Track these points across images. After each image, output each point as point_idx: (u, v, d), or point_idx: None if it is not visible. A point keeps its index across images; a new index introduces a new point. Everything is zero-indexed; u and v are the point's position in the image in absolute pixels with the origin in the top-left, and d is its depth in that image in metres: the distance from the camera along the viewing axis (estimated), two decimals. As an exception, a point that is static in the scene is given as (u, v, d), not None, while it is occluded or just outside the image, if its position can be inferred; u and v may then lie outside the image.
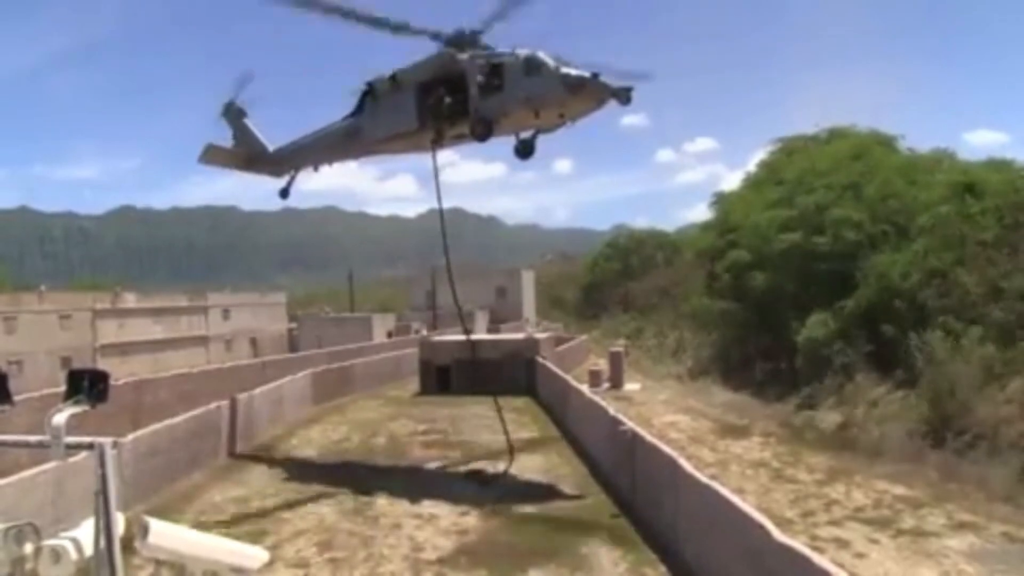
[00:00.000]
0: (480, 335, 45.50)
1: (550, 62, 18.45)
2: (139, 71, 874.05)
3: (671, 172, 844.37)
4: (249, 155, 25.55)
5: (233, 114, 25.64)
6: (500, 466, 21.27)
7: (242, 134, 25.72)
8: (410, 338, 54.97)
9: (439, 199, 22.02)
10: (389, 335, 63.63)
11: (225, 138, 25.92)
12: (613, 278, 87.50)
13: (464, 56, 19.67)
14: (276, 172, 25.73)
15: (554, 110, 18.84)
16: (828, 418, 25.66)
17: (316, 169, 24.97)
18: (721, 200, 43.00)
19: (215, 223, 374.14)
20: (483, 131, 19.71)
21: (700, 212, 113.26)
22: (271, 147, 25.45)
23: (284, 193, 25.85)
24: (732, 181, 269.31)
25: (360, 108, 22.40)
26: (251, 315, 72.15)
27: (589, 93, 18.20)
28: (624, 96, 17.94)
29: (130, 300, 61.37)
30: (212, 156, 25.18)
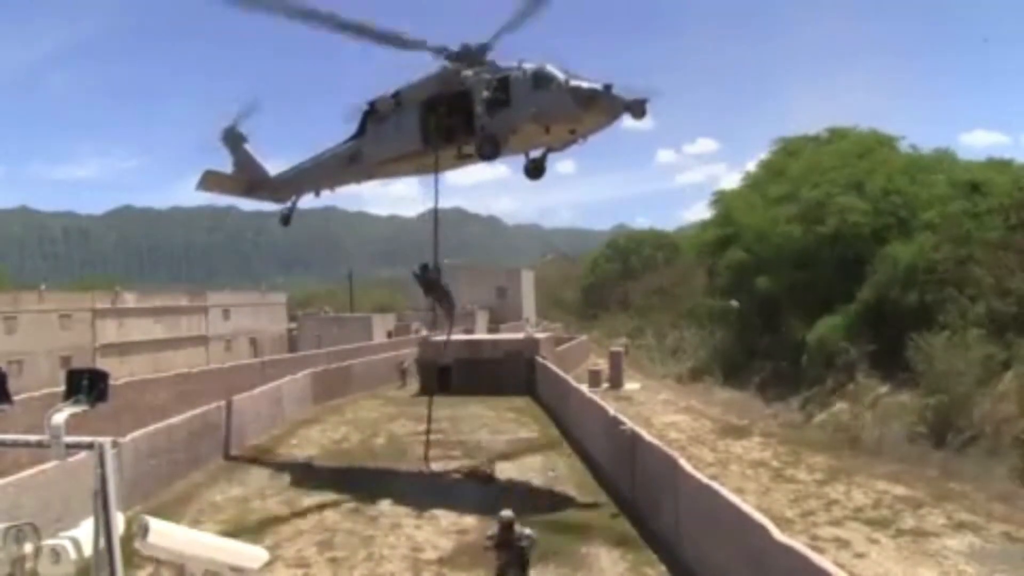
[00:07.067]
0: (480, 335, 45.51)
1: (559, 75, 17.58)
2: (139, 70, 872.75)
3: (672, 173, 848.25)
4: (250, 181, 24.77)
5: (233, 140, 24.82)
6: (501, 466, 21.22)
7: (242, 160, 24.85)
8: (410, 338, 54.94)
9: (435, 219, 20.96)
10: (389, 335, 63.54)
11: (222, 157, 25.15)
12: (613, 278, 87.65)
13: (469, 72, 18.83)
14: (277, 198, 24.99)
15: (565, 125, 17.90)
16: (829, 418, 25.66)
17: (317, 194, 24.09)
18: (721, 197, 42.85)
19: (215, 223, 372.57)
20: (490, 150, 18.75)
21: (700, 212, 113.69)
22: (272, 172, 24.66)
23: (285, 220, 24.95)
24: (732, 181, 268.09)
25: (362, 130, 21.42)
26: (251, 315, 71.99)
27: (601, 107, 17.25)
28: (638, 109, 17.01)
29: (130, 300, 61.25)
30: (211, 183, 24.31)
